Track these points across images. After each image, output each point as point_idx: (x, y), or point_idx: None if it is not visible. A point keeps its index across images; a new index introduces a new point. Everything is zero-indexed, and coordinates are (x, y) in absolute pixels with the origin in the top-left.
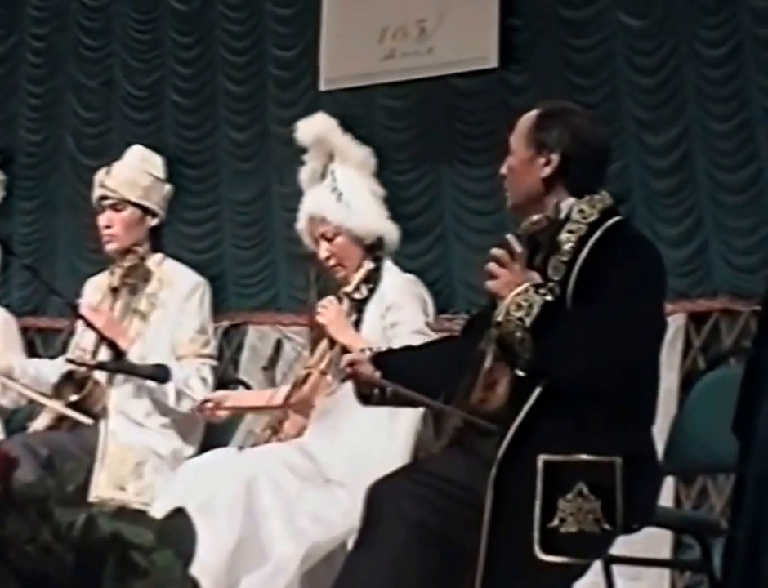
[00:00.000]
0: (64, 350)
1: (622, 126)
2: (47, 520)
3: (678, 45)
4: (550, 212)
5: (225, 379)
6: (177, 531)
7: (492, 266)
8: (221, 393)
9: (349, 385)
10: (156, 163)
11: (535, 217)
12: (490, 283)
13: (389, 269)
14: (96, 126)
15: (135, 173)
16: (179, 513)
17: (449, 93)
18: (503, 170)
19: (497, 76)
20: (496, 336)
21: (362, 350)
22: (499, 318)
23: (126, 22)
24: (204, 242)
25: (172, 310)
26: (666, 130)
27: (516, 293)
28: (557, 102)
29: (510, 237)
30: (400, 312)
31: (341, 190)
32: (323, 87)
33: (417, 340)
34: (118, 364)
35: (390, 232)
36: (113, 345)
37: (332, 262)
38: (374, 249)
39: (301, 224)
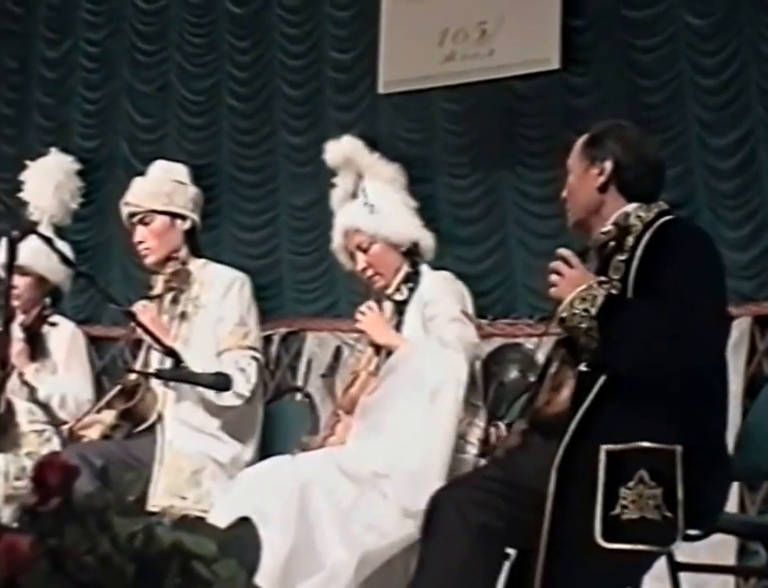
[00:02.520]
0: (117, 359)
1: (686, 127)
2: (107, 531)
3: (742, 45)
4: (619, 219)
5: (283, 386)
6: (241, 540)
7: (552, 276)
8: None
9: (389, 379)
10: (178, 170)
11: (605, 227)
12: (552, 290)
13: (426, 272)
14: (151, 131)
15: (155, 183)
16: (243, 521)
17: (510, 96)
18: (564, 194)
19: (559, 78)
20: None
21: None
22: (564, 314)
23: (181, 26)
24: (261, 248)
25: (212, 309)
26: (730, 131)
27: (580, 290)
28: (609, 121)
29: (561, 250)
30: (437, 305)
31: (372, 203)
32: (381, 90)
33: (454, 328)
34: (177, 372)
35: (426, 237)
36: (171, 353)
37: (369, 272)
38: (411, 255)
39: (336, 241)
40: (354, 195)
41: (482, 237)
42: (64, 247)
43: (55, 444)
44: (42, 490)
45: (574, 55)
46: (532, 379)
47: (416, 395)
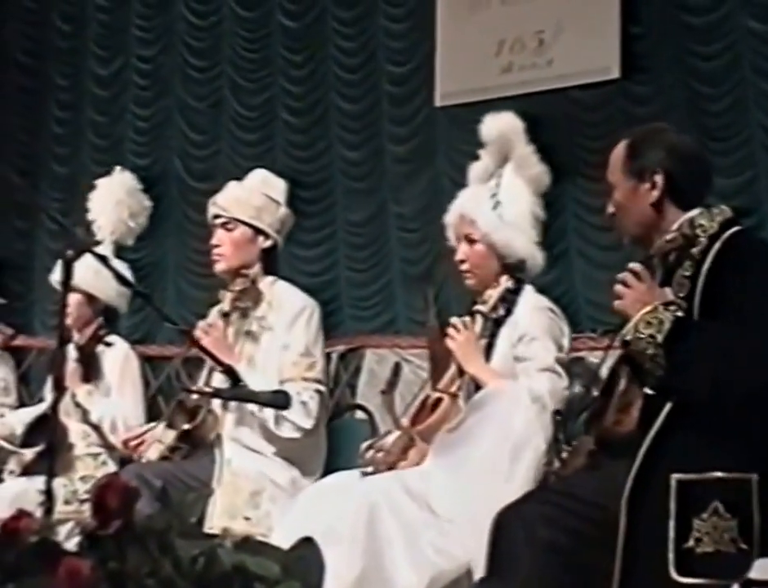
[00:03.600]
0: (173, 378)
1: (750, 135)
2: (169, 553)
3: None
4: (683, 228)
5: (342, 404)
6: (304, 561)
7: (618, 287)
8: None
9: (473, 418)
10: (275, 185)
11: (669, 235)
12: (617, 303)
13: (527, 293)
14: (204, 148)
15: (249, 193)
16: (306, 542)
17: (570, 106)
18: (610, 209)
19: (619, 86)
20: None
21: None
22: (628, 337)
23: (234, 41)
24: (318, 265)
25: (280, 333)
26: None
27: (645, 312)
28: (644, 127)
29: (633, 265)
30: (531, 346)
31: (500, 199)
32: (438, 103)
33: (546, 380)
34: (236, 391)
35: (535, 257)
36: (230, 372)
37: (465, 266)
38: (513, 270)
39: (450, 217)
40: (491, 177)
41: (543, 249)
42: (120, 266)
43: (111, 468)
44: (102, 513)
45: (634, 63)
46: (595, 393)
47: (498, 447)
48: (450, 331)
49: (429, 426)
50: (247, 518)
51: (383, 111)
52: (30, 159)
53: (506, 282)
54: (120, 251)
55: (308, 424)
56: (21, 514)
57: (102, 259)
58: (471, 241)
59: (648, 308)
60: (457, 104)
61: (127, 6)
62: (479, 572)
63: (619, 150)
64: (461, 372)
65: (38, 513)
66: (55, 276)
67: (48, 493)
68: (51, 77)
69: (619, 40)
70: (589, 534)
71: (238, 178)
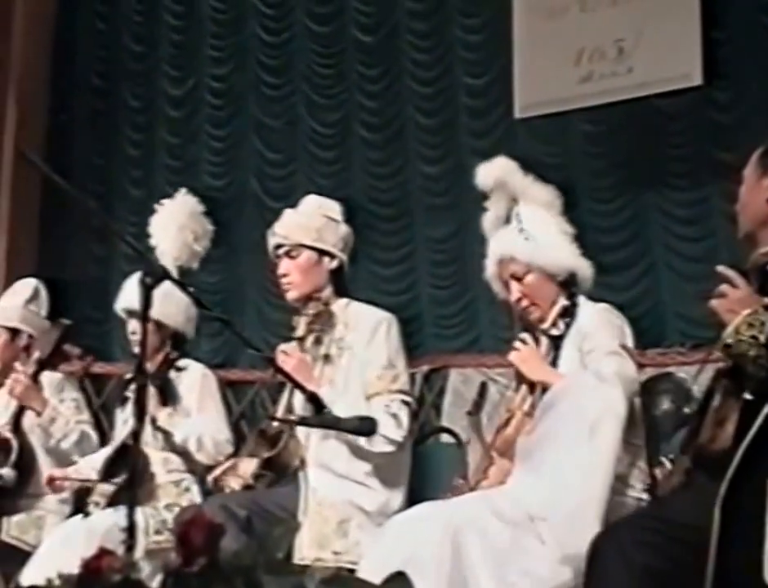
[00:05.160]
0: (256, 403)
1: None
2: None
3: None
4: None
5: (427, 426)
6: None
7: (723, 286)
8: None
9: (548, 417)
10: (331, 206)
11: (765, 248)
12: (715, 301)
13: (584, 303)
14: (281, 167)
15: (307, 217)
16: (399, 576)
17: (651, 114)
18: (737, 206)
19: (702, 93)
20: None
21: None
22: (729, 340)
23: (308, 57)
24: (399, 284)
25: (359, 351)
26: None
27: (746, 314)
28: None
29: (723, 269)
30: (594, 338)
31: (527, 229)
32: (518, 115)
33: (612, 362)
34: (321, 419)
35: (583, 267)
36: (313, 398)
37: (524, 303)
38: (568, 285)
39: (490, 270)
40: (507, 220)
41: (629, 263)
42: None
43: (195, 494)
44: (186, 550)
45: (717, 69)
46: (686, 410)
47: (575, 431)
48: (514, 346)
49: (505, 440)
50: (336, 553)
51: (462, 124)
52: (105, 183)
53: (562, 300)
54: (188, 274)
55: (400, 436)
56: (103, 553)
57: (181, 285)
58: (518, 278)
59: (748, 310)
60: (538, 115)
61: (199, 26)
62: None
63: (761, 148)
64: (531, 389)
65: (121, 550)
66: (121, 303)
67: (131, 530)
68: (124, 99)
69: (700, 46)
70: (685, 557)
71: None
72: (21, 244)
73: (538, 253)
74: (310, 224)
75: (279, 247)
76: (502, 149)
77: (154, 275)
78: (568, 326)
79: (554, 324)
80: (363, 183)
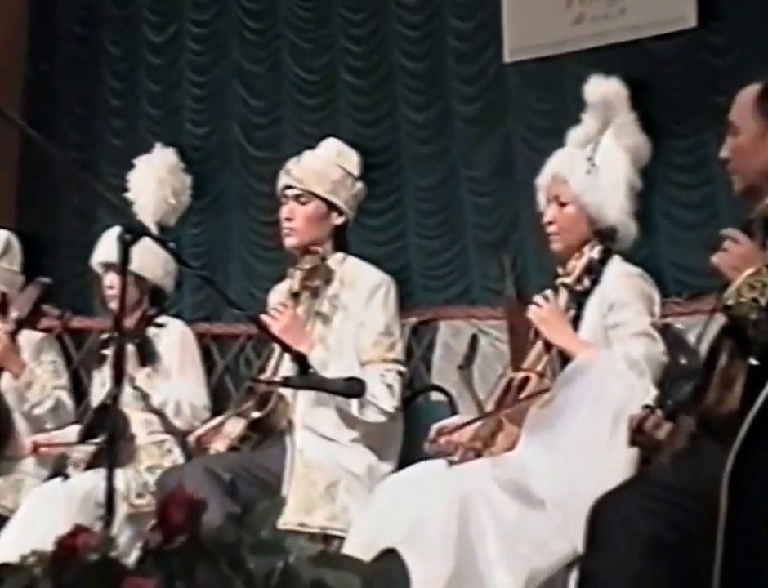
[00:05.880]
0: (241, 358)
1: None
2: (240, 570)
3: None
4: None
5: (416, 381)
6: (388, 575)
7: (726, 243)
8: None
9: (566, 392)
10: (351, 159)
11: None
12: (716, 257)
13: (614, 262)
14: (265, 114)
15: (325, 165)
16: (389, 554)
17: (645, 58)
18: (724, 153)
19: (697, 36)
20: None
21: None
22: (730, 302)
23: (291, 0)
24: (387, 234)
25: (355, 312)
26: None
27: (748, 274)
28: None
29: (727, 231)
30: (623, 312)
31: (596, 163)
32: (507, 59)
33: (642, 345)
34: (306, 380)
35: (627, 227)
36: (299, 358)
37: (552, 228)
38: (604, 238)
39: (542, 178)
40: (589, 141)
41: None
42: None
43: (177, 455)
44: (166, 527)
45: (713, 11)
46: (683, 362)
47: (597, 417)
48: (533, 304)
49: (519, 409)
50: (313, 513)
51: (449, 69)
52: (86, 133)
53: (590, 251)
54: (167, 230)
55: (392, 407)
56: (78, 530)
57: (161, 242)
58: (561, 203)
59: (750, 270)
60: (528, 59)
61: None
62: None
63: (751, 92)
64: (547, 348)
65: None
66: (98, 256)
67: (109, 503)
68: (105, 46)
69: None
70: (692, 527)
71: (302, 145)
72: None
73: (590, 190)
74: (328, 174)
75: (288, 187)
76: (491, 94)
77: (133, 231)
78: (593, 283)
79: (578, 279)
80: (349, 129)
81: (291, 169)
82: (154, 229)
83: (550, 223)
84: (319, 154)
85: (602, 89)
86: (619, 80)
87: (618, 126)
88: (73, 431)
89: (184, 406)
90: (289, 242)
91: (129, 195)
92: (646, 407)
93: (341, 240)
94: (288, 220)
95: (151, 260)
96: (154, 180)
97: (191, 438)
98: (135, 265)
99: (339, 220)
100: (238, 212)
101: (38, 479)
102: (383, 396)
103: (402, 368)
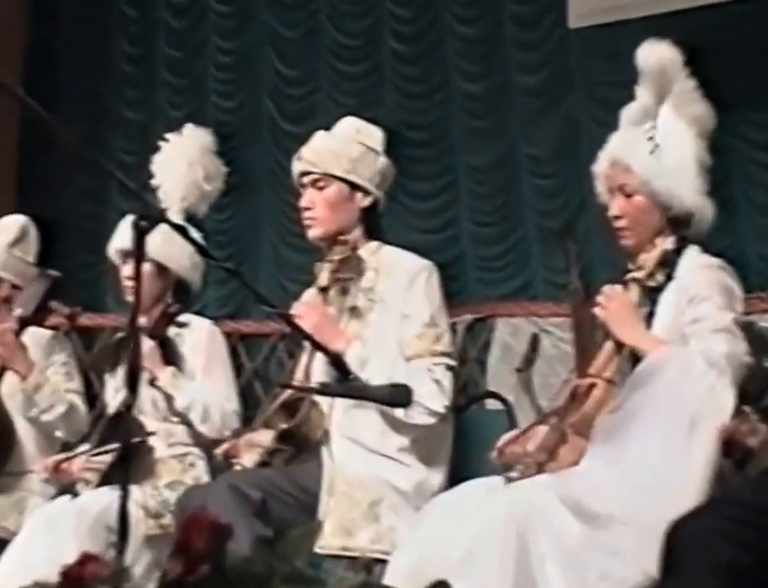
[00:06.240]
0: (271, 361)
1: None
2: None
3: None
4: None
5: (470, 385)
6: None
7: None
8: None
9: (638, 395)
10: (371, 133)
11: None
12: None
13: (691, 253)
14: (299, 85)
15: (341, 143)
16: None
17: (720, 22)
18: None
19: None
20: None
21: None
22: None
23: None
24: (437, 220)
25: (394, 304)
26: None
27: None
28: None
29: None
30: (701, 306)
31: (658, 142)
32: (572, 24)
33: (722, 342)
34: (346, 387)
35: (705, 209)
36: (338, 363)
37: (621, 223)
38: (679, 225)
39: (600, 166)
40: (647, 117)
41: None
42: (197, 237)
43: (201, 471)
44: (187, 555)
45: None
46: (767, 363)
47: (672, 424)
48: (600, 299)
49: (583, 416)
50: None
51: (508, 35)
52: (96, 104)
53: (663, 242)
54: (193, 220)
55: (442, 406)
56: (87, 559)
57: (180, 229)
58: (626, 194)
59: None
60: (595, 24)
61: None
62: None
63: None
64: (617, 349)
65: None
66: (116, 244)
67: (122, 529)
68: (118, 5)
69: None
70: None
71: (340, 119)
72: None
73: (658, 174)
74: (345, 152)
75: (304, 174)
76: (553, 63)
77: (149, 217)
78: (668, 277)
79: (651, 274)
80: (394, 102)
81: (303, 153)
82: (180, 218)
83: (618, 217)
84: (334, 133)
85: (656, 55)
86: (676, 45)
87: (677, 95)
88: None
89: (212, 410)
90: (313, 233)
91: (154, 181)
92: (739, 411)
93: (371, 224)
94: (308, 208)
95: (177, 249)
96: (183, 163)
97: (218, 452)
98: (158, 254)
99: (366, 202)
100: (268, 195)
101: (44, 498)
102: (432, 394)
103: (452, 362)
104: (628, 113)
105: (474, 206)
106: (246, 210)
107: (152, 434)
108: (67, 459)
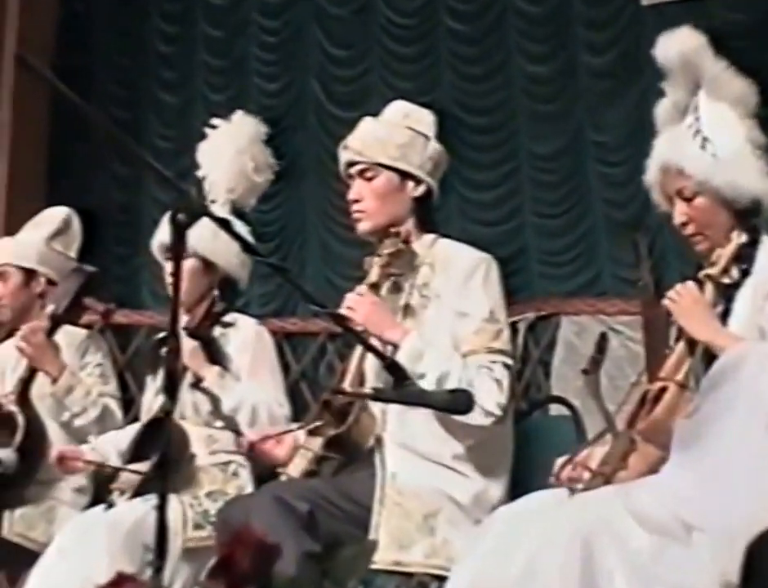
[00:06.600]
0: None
1: None
2: None
3: None
4: None
5: (533, 387)
6: None
7: None
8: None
9: (715, 395)
10: (423, 119)
11: None
12: None
13: (766, 244)
14: (349, 66)
15: (389, 129)
16: None
17: None
18: None
19: None
20: None
21: None
22: None
23: None
24: (498, 212)
25: (450, 300)
26: None
27: None
28: None
29: None
30: None
31: (706, 134)
32: (645, 1)
33: None
34: (402, 393)
35: None
36: (393, 367)
37: (689, 229)
38: (748, 216)
39: (651, 175)
40: (683, 113)
41: None
42: (242, 231)
43: (245, 480)
44: (230, 576)
45: None
46: None
47: (752, 425)
48: (671, 294)
49: (653, 423)
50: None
51: (575, 12)
52: (131, 87)
53: (738, 236)
54: (239, 213)
55: (500, 408)
56: (122, 579)
57: (224, 223)
58: (686, 198)
59: None
60: (669, 1)
61: None
62: None
63: None
64: (690, 350)
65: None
66: (159, 238)
67: (160, 548)
68: None
69: None
70: None
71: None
72: (25, 167)
73: (715, 170)
74: (392, 138)
75: (351, 164)
76: (624, 43)
77: (188, 210)
78: (745, 273)
79: (725, 270)
80: (452, 85)
81: (349, 142)
82: (226, 211)
83: (684, 224)
84: (382, 119)
85: (677, 45)
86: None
87: (711, 80)
88: (111, 443)
89: (261, 412)
90: (362, 227)
91: (199, 170)
92: None
93: (425, 215)
94: (356, 201)
95: (225, 245)
96: (231, 151)
97: (243, 441)
98: (205, 249)
99: (418, 191)
100: (315, 184)
101: (75, 508)
102: (490, 394)
103: (509, 361)
104: (662, 113)
105: (537, 196)
106: (291, 200)
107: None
108: (78, 459)
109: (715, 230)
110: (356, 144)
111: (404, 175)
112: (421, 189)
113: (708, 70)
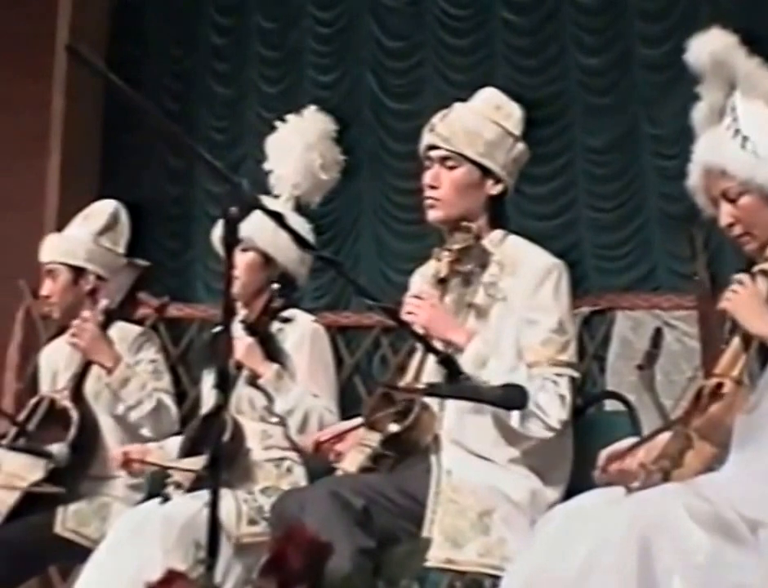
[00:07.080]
0: (374, 355)
1: None
2: None
3: None
4: None
5: (588, 383)
6: None
7: None
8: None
9: None
10: (513, 115)
11: None
12: None
13: None
14: (404, 58)
15: (480, 122)
16: None
17: None
18: None
19: None
20: None
21: None
22: None
23: None
24: (552, 205)
25: (517, 304)
26: None
27: None
28: None
29: None
30: None
31: (745, 133)
32: None
33: None
34: (456, 388)
35: None
36: (447, 362)
37: (737, 230)
38: None
39: (693, 179)
40: (722, 114)
41: None
42: (301, 225)
43: (299, 476)
44: (281, 575)
45: None
46: None
47: None
48: (727, 295)
49: (710, 419)
50: (462, 547)
51: (630, 4)
52: (184, 79)
53: None
54: (303, 209)
55: (561, 422)
56: (173, 576)
57: (276, 216)
58: (730, 199)
59: None
60: None
61: None
62: None
63: None
64: (746, 345)
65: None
66: (219, 232)
67: (212, 546)
68: None
69: None
70: None
71: (448, 96)
72: (78, 159)
73: (758, 168)
74: (482, 133)
75: (433, 147)
76: (680, 34)
77: (241, 204)
78: None
79: None
80: (506, 77)
81: (436, 125)
82: (290, 207)
83: (731, 225)
84: (473, 108)
85: (707, 47)
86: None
87: (745, 79)
88: (174, 444)
89: (312, 420)
90: (433, 215)
91: (266, 165)
92: None
93: (498, 214)
94: (432, 187)
95: (286, 241)
96: (300, 147)
97: (308, 442)
98: (265, 241)
99: (495, 190)
100: (370, 178)
101: (130, 504)
102: (552, 408)
103: (575, 374)
104: (699, 116)
105: (592, 189)
106: (346, 194)
107: None
108: (143, 462)
109: (762, 228)
110: (444, 130)
111: (486, 172)
112: (499, 188)
113: (741, 68)
